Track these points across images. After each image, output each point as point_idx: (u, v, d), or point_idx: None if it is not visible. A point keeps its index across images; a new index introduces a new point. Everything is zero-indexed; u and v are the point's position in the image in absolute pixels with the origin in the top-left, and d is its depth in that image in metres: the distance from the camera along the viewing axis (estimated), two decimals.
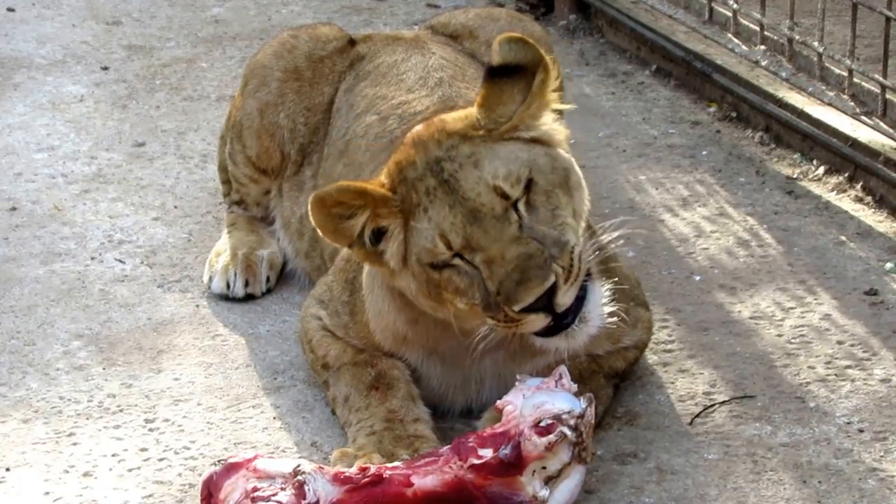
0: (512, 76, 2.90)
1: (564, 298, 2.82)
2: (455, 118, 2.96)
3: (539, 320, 2.84)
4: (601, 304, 2.88)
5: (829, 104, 4.37)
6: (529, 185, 2.87)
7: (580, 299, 2.87)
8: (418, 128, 3.01)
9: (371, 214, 2.93)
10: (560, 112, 3.03)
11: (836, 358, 3.45)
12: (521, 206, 2.86)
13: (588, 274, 2.88)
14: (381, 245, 2.96)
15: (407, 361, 3.22)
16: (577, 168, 3.01)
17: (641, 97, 4.99)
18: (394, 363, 3.20)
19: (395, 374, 3.17)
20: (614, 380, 3.29)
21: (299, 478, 2.79)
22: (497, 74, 2.90)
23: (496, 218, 2.83)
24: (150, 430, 3.25)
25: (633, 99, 4.98)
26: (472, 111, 2.95)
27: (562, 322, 2.85)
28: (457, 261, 2.87)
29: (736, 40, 4.83)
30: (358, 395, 3.14)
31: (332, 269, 3.38)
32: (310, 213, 2.91)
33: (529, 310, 2.81)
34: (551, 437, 2.81)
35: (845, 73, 4.36)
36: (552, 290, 2.80)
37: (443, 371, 3.19)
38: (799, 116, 4.45)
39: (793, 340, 3.53)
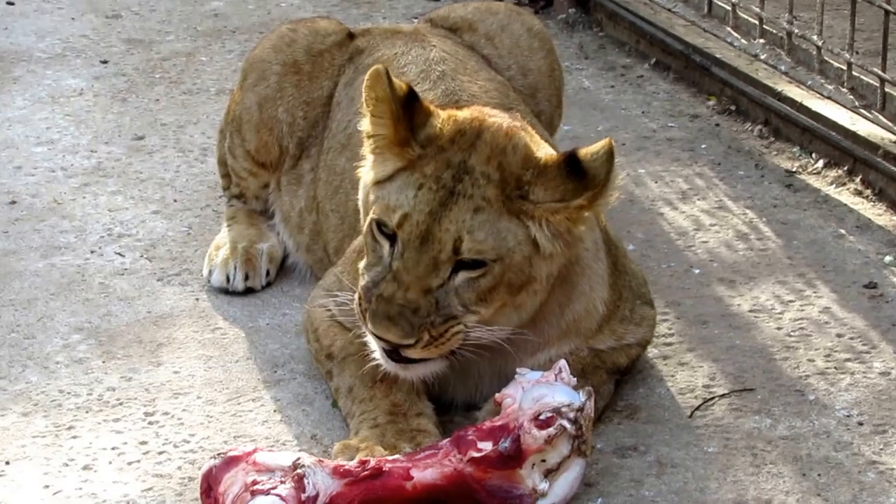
0: (577, 173, 2.86)
1: (412, 354, 2.90)
2: (519, 158, 2.90)
3: (375, 346, 2.94)
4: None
5: (829, 98, 4.38)
6: (484, 265, 2.87)
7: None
8: (495, 121, 2.95)
9: (389, 135, 2.93)
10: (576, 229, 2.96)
11: (836, 351, 3.44)
12: (462, 274, 2.87)
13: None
14: (377, 157, 2.97)
15: None
16: (544, 278, 2.95)
17: (640, 90, 4.99)
18: None
19: None
20: (616, 375, 3.29)
21: (299, 471, 2.78)
22: (572, 164, 2.87)
23: (433, 259, 2.86)
24: (150, 423, 3.24)
25: (633, 92, 4.98)
26: (537, 158, 2.90)
27: (397, 357, 2.92)
28: (381, 238, 2.90)
29: (735, 34, 4.84)
30: (362, 387, 3.13)
31: (342, 260, 3.37)
32: (368, 79, 2.92)
33: (375, 337, 2.90)
34: (551, 430, 2.81)
35: (844, 67, 4.36)
36: (399, 345, 2.88)
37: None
38: (798, 110, 4.45)
39: (792, 333, 3.53)
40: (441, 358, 2.94)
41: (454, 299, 2.88)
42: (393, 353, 2.93)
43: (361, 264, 3.00)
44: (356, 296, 2.96)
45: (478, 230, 2.86)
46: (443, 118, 2.97)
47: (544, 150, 2.98)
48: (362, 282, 2.96)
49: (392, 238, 2.92)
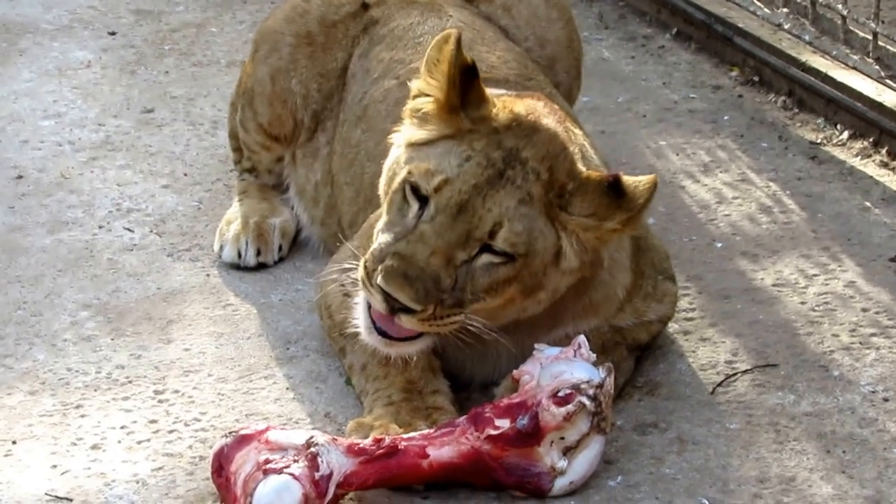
0: (616, 194, 2.87)
1: (408, 323, 2.84)
2: (567, 166, 2.91)
3: (376, 303, 2.85)
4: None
5: (854, 68, 4.38)
6: (510, 258, 2.85)
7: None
8: (549, 122, 2.95)
9: (441, 99, 2.91)
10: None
11: (861, 326, 3.42)
12: (486, 256, 2.85)
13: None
14: (421, 119, 2.95)
15: None
16: (551, 290, 2.95)
17: (662, 61, 4.97)
18: None
19: None
20: (636, 352, 3.27)
21: (312, 449, 2.77)
22: (614, 186, 2.87)
23: (467, 231, 2.83)
24: (160, 401, 3.23)
25: (654, 63, 4.96)
26: (580, 171, 2.91)
27: (379, 328, 2.89)
28: (412, 199, 2.86)
29: (758, 3, 4.85)
30: (376, 364, 3.11)
31: (357, 234, 3.35)
32: (437, 39, 2.92)
33: (383, 293, 2.82)
34: (570, 406, 2.79)
35: (870, 37, 4.37)
36: (405, 309, 2.82)
37: (460, 343, 3.12)
38: (823, 80, 4.44)
39: (816, 308, 3.51)
40: (429, 339, 2.92)
41: (468, 283, 2.85)
42: (380, 328, 2.89)
43: (378, 224, 2.96)
44: (363, 260, 2.92)
45: (518, 221, 2.85)
46: (499, 105, 2.96)
47: (589, 165, 3.00)
48: (377, 242, 2.91)
49: (423, 201, 2.88)
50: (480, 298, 2.87)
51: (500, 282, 2.87)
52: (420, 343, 2.93)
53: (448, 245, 2.83)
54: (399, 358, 3.06)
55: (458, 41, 2.90)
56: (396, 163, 2.98)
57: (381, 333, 2.90)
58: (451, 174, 2.85)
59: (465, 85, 2.91)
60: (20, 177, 4.26)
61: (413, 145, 2.95)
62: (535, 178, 2.88)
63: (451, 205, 2.84)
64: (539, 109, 3.00)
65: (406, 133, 2.99)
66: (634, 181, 2.89)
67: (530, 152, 2.89)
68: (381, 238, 2.90)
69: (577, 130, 3.12)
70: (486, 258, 2.86)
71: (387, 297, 2.83)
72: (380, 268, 2.83)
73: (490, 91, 3.00)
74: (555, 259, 2.90)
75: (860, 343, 3.35)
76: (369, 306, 2.90)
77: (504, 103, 2.97)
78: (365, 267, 2.88)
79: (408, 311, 2.83)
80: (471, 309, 2.87)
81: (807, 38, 4.57)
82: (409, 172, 2.89)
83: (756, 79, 4.71)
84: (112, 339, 3.47)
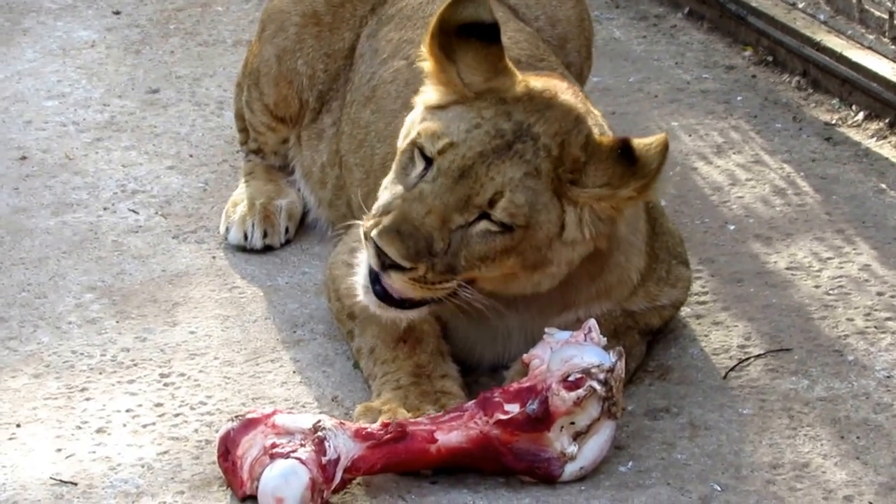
0: (628, 160, 2.86)
1: (396, 283, 2.85)
2: (580, 140, 2.89)
3: (370, 257, 2.87)
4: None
5: (869, 48, 4.38)
6: (508, 228, 2.84)
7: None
8: (568, 99, 2.95)
9: (430, 62, 2.95)
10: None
11: (876, 310, 3.41)
12: (483, 223, 2.84)
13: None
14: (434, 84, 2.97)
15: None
16: (563, 263, 2.92)
17: (674, 41, 4.96)
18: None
19: (426, 328, 3.13)
20: (648, 336, 3.26)
21: (319, 434, 2.76)
22: (624, 150, 2.85)
23: (466, 196, 2.82)
24: (166, 384, 3.22)
25: (666, 43, 4.95)
26: (594, 141, 2.90)
27: (374, 286, 2.89)
28: (418, 159, 2.87)
29: None
30: (385, 348, 3.11)
31: (366, 216, 3.31)
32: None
33: (375, 248, 2.84)
34: (580, 391, 2.78)
35: (886, 16, 4.38)
36: (395, 266, 2.82)
37: (469, 325, 3.14)
38: (838, 60, 4.43)
39: (831, 292, 3.49)
40: (425, 309, 2.92)
41: (464, 249, 2.85)
42: (379, 285, 2.88)
43: (384, 180, 2.97)
44: (357, 219, 2.96)
45: (520, 193, 2.84)
46: (519, 78, 2.96)
47: (604, 136, 2.98)
48: (379, 198, 2.92)
49: (429, 163, 2.89)
50: (475, 266, 2.87)
51: (496, 251, 2.86)
52: (415, 311, 2.93)
53: (445, 207, 2.83)
54: (408, 342, 3.06)
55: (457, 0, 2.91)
56: (412, 123, 3.00)
57: (379, 297, 2.90)
58: (457, 139, 2.86)
59: (452, 45, 2.91)
60: (24, 158, 4.26)
61: (428, 108, 2.97)
62: (545, 153, 2.87)
63: (454, 168, 2.84)
64: (558, 86, 3.00)
65: (424, 95, 3.01)
66: (645, 144, 2.87)
67: (542, 128, 2.89)
68: (382, 194, 2.92)
69: (595, 111, 3.11)
70: (483, 225, 2.85)
71: (378, 251, 2.83)
72: (374, 222, 2.84)
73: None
74: (559, 233, 2.89)
75: (875, 327, 3.33)
76: (370, 267, 2.90)
77: (523, 78, 2.97)
78: (365, 228, 2.90)
79: (398, 268, 2.82)
80: (464, 276, 2.87)
81: (821, 17, 4.56)
82: (418, 133, 2.91)
83: (770, 59, 4.70)
84: (117, 322, 3.46)
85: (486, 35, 2.94)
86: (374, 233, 2.84)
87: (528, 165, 2.85)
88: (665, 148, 2.86)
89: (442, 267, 2.83)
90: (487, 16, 2.94)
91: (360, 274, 2.94)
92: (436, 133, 2.88)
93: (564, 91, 2.99)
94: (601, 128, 3.04)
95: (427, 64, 2.98)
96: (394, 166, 2.96)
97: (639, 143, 2.88)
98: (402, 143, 2.98)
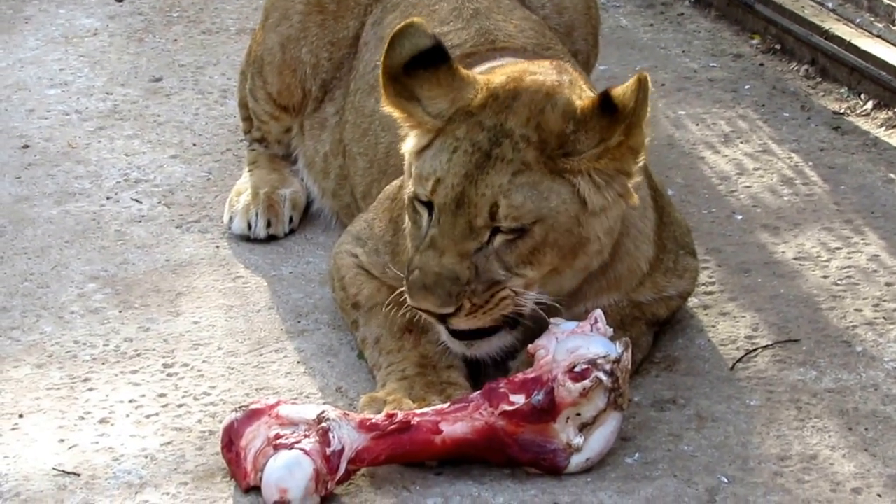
0: (610, 110, 2.83)
1: (459, 324, 2.87)
2: (558, 114, 2.86)
3: (431, 320, 2.91)
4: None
5: (878, 36, 4.38)
6: (525, 230, 2.83)
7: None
8: (535, 79, 2.91)
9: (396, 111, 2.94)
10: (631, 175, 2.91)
11: (885, 300, 3.40)
12: (500, 237, 2.83)
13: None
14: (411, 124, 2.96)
15: None
16: (602, 234, 2.91)
17: (681, 29, 4.97)
18: None
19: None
20: (655, 327, 3.25)
21: (324, 424, 2.75)
22: (605, 103, 2.83)
23: (469, 223, 2.82)
24: (169, 375, 3.21)
25: (673, 31, 4.95)
26: (575, 108, 2.86)
27: (456, 334, 2.91)
28: (421, 208, 2.90)
29: None
30: (390, 338, 3.10)
31: (373, 206, 3.35)
32: (393, 35, 2.91)
33: (422, 310, 2.87)
34: (586, 382, 2.77)
35: (895, 4, 4.37)
36: (442, 315, 2.85)
37: None
38: (846, 49, 4.42)
39: (839, 282, 3.48)
40: (503, 333, 2.92)
41: (495, 263, 2.84)
42: (455, 331, 2.90)
43: (407, 228, 2.99)
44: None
45: (515, 193, 2.82)
46: (478, 84, 2.94)
47: (584, 98, 2.94)
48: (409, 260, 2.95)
49: (430, 207, 2.89)
50: (519, 274, 2.86)
51: (528, 252, 2.85)
52: (500, 339, 2.93)
53: (454, 242, 2.83)
54: (413, 332, 3.05)
55: (392, 40, 2.90)
56: (407, 172, 3.00)
57: (460, 337, 2.91)
58: (441, 173, 2.86)
59: (406, 86, 2.90)
60: (26, 146, 4.26)
61: (414, 154, 2.96)
62: (525, 144, 2.85)
63: (449, 201, 2.84)
64: (523, 70, 2.97)
65: (406, 144, 3.00)
66: (623, 89, 2.84)
67: (513, 121, 2.86)
68: (409, 255, 2.93)
69: (574, 72, 3.07)
70: (500, 238, 2.85)
71: (422, 311, 2.87)
72: (406, 286, 2.86)
73: (490, 65, 2.98)
74: (583, 207, 2.87)
75: (884, 318, 3.32)
76: None
77: (485, 81, 2.94)
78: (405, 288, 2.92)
79: (447, 315, 2.84)
80: (516, 284, 2.85)
81: (830, 5, 4.55)
82: (410, 185, 2.92)
83: (778, 47, 4.70)
84: (120, 312, 3.45)
85: (431, 59, 2.91)
86: (407, 297, 2.85)
87: (513, 164, 2.83)
88: (640, 86, 2.81)
89: (482, 288, 2.83)
90: (425, 40, 2.91)
91: (441, 330, 2.95)
92: (422, 176, 2.88)
93: (530, 71, 2.96)
94: (581, 90, 2.99)
95: (394, 114, 2.96)
96: (407, 219, 2.97)
97: (617, 90, 2.84)
98: (405, 196, 2.98)
